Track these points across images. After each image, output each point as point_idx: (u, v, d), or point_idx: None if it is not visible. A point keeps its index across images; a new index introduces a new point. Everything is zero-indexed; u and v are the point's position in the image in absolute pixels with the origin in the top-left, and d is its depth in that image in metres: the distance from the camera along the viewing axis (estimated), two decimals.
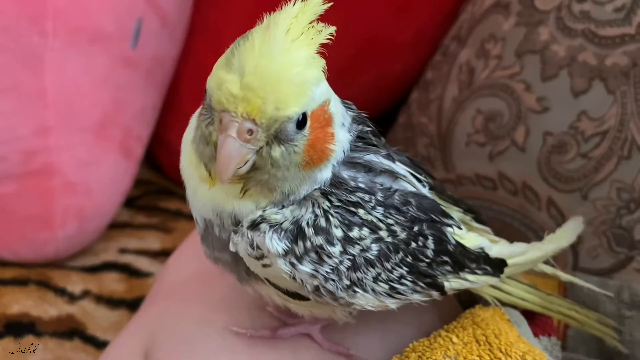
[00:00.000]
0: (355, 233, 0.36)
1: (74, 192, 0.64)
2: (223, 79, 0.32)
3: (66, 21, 0.59)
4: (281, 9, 0.33)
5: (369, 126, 0.41)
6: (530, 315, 0.47)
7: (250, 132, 0.33)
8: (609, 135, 0.56)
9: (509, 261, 0.43)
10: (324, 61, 0.34)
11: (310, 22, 0.34)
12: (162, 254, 0.72)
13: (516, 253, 0.44)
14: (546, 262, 0.47)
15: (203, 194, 0.37)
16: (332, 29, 0.34)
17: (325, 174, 0.36)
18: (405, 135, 0.75)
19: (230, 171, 0.33)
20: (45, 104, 0.60)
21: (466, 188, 0.65)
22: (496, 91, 0.63)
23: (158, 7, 0.66)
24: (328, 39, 0.34)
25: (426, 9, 0.78)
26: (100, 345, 0.62)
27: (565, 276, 0.48)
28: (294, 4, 0.33)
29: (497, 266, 0.43)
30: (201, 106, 0.36)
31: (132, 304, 0.66)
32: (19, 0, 0.57)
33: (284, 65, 0.32)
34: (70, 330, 0.62)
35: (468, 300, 0.49)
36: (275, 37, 0.32)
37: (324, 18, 0.36)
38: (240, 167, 0.33)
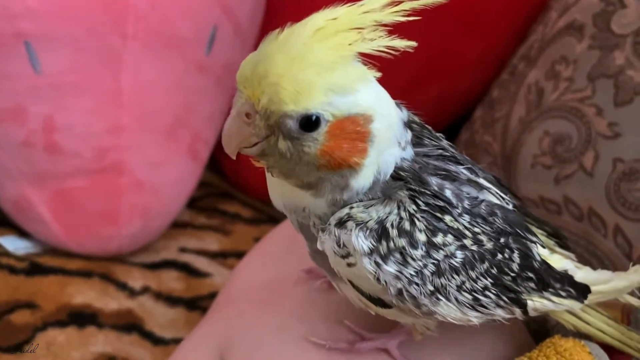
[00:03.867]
0: (439, 239, 0.36)
1: (142, 190, 0.66)
2: (247, 59, 0.33)
3: (146, 25, 0.61)
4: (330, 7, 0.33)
5: (448, 143, 0.41)
6: (607, 352, 0.45)
7: (248, 115, 0.33)
8: None
9: (592, 288, 0.42)
10: (368, 74, 0.33)
11: (357, 28, 0.32)
12: (220, 255, 0.74)
13: (600, 280, 0.43)
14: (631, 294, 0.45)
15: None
16: (386, 41, 0.33)
17: (359, 183, 0.35)
18: (467, 152, 0.74)
19: (229, 145, 0.34)
20: (120, 103, 0.62)
21: (530, 210, 0.64)
22: (566, 114, 0.62)
23: (232, 15, 0.68)
24: (384, 52, 0.33)
25: (495, 27, 0.78)
26: (157, 341, 0.63)
27: None
28: (345, 5, 0.33)
29: (581, 291, 0.42)
30: None
31: (190, 303, 0.67)
32: (105, 3, 0.59)
33: (294, 62, 0.32)
34: (129, 325, 0.64)
35: (537, 329, 0.48)
36: (300, 34, 0.32)
37: (394, 30, 0.35)
38: (246, 147, 0.34)
